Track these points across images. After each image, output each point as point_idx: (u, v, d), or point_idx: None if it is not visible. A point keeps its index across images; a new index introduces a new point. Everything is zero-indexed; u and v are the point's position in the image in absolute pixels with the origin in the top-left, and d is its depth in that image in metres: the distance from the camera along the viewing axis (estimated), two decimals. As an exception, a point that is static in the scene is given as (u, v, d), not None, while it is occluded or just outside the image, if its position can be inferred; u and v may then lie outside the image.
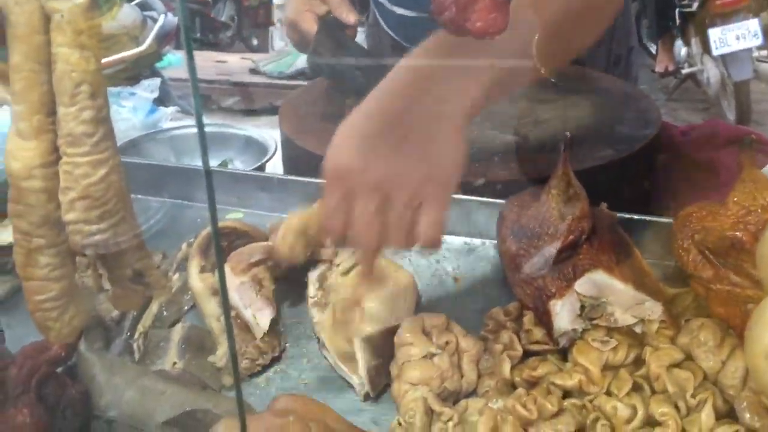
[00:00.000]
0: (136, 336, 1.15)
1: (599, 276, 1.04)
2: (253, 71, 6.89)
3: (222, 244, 1.25)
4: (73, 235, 0.73)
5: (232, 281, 1.15)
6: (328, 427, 0.87)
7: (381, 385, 1.08)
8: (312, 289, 1.20)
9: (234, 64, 7.16)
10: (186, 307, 1.23)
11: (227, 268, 1.16)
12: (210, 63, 7.10)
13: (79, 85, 0.70)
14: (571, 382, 0.96)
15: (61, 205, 0.73)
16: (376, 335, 1.09)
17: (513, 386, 1.03)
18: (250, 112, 6.39)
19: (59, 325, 0.79)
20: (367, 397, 1.08)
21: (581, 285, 1.04)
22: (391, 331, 1.10)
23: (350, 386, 1.10)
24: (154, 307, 1.20)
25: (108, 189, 0.73)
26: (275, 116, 1.90)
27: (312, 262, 1.24)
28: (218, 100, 6.76)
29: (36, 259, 0.75)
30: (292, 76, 6.48)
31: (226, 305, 0.53)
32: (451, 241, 1.35)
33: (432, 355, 1.04)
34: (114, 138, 0.74)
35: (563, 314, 1.04)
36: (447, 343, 1.06)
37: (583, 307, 1.04)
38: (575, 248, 1.10)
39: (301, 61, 6.58)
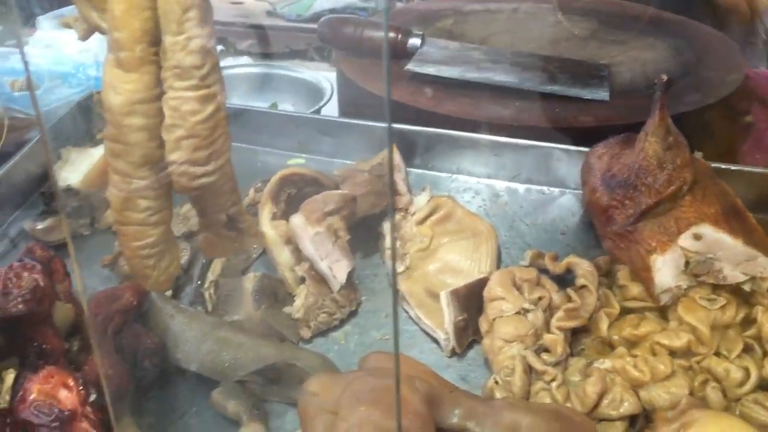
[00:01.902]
0: (207, 285, 1.10)
1: (706, 230, 0.98)
2: (270, 14, 6.74)
3: (290, 192, 1.19)
4: (178, 177, 0.67)
5: (306, 231, 1.08)
6: (433, 386, 0.82)
7: (467, 340, 1.03)
8: (389, 240, 1.14)
9: (250, 5, 6.99)
10: (254, 256, 1.17)
11: (300, 217, 1.10)
12: (226, 4, 6.95)
13: (188, 10, 0.63)
14: (679, 342, 0.91)
15: (166, 144, 0.66)
16: (462, 289, 1.03)
17: (610, 345, 0.98)
18: (267, 56, 6.26)
19: (156, 273, 0.74)
20: (453, 353, 1.03)
21: (686, 239, 0.98)
22: (477, 285, 1.04)
23: (433, 341, 1.05)
24: (222, 256, 1.14)
25: (216, 127, 0.67)
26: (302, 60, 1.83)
27: (387, 211, 1.18)
28: (234, 42, 6.63)
29: (135, 203, 0.69)
30: (310, 19, 6.32)
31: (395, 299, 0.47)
32: (529, 190, 1.29)
33: (525, 311, 0.99)
34: (221, 72, 0.67)
35: (666, 270, 0.98)
36: (540, 298, 1.00)
37: (687, 263, 0.98)
38: (676, 200, 1.03)
39: (319, 3, 6.43)
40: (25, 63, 0.43)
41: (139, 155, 0.67)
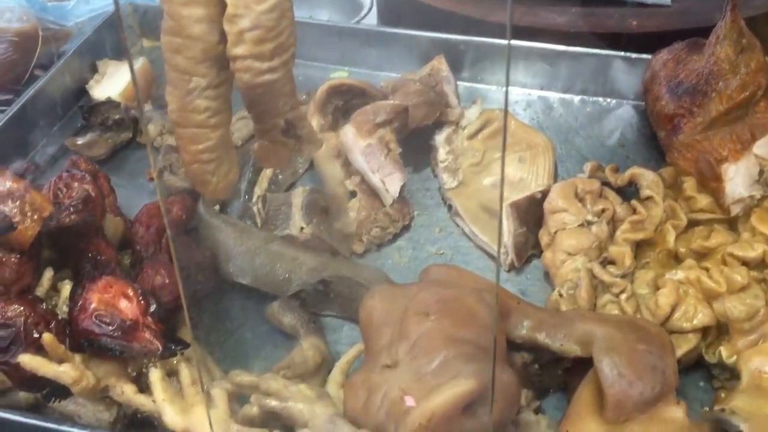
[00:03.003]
0: (255, 200, 1.07)
1: (783, 137, 0.93)
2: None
3: (337, 103, 1.14)
4: (241, 73, 0.63)
5: (357, 143, 1.04)
6: (501, 297, 0.79)
7: (527, 254, 1.00)
8: (442, 153, 1.10)
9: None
10: (301, 171, 1.14)
11: (350, 129, 1.05)
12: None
13: None
14: (754, 253, 0.87)
15: (228, 36, 0.62)
16: (522, 201, 1.00)
17: (676, 258, 0.95)
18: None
19: (216, 179, 0.70)
20: (511, 268, 1.00)
21: (761, 147, 0.93)
22: (535, 198, 1.00)
23: (490, 257, 1.02)
24: (268, 170, 1.11)
25: (282, 18, 0.62)
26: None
27: (438, 123, 1.13)
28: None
29: (194, 103, 0.65)
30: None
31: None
32: (584, 101, 1.23)
33: (589, 223, 0.95)
34: (286, -45, 0.62)
35: (738, 180, 0.94)
36: (603, 210, 0.96)
37: (761, 172, 0.93)
38: (749, 106, 0.97)
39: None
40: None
41: (199, 50, 0.63)
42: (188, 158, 0.69)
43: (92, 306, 0.73)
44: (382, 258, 1.03)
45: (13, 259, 0.75)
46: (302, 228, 1.01)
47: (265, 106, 0.71)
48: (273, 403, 0.74)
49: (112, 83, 1.20)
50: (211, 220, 0.99)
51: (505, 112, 0.78)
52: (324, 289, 0.94)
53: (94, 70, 1.26)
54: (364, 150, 1.04)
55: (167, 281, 0.84)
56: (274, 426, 0.75)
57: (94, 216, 0.83)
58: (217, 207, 1.05)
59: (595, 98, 1.22)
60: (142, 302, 0.75)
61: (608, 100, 1.22)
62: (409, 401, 0.62)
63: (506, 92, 0.84)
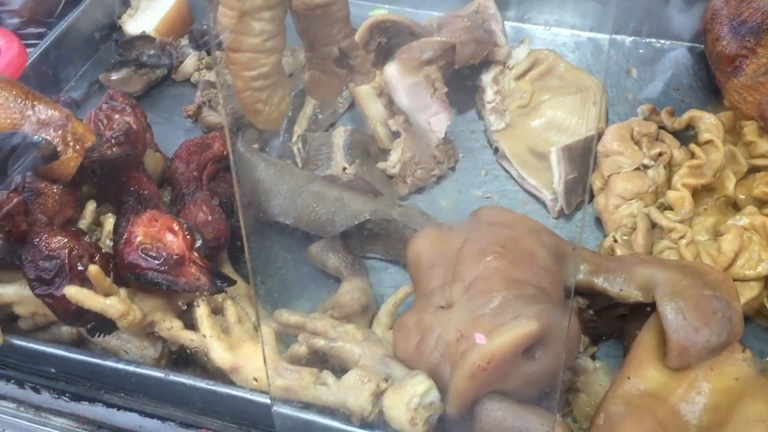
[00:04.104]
0: (294, 139, 1.04)
1: None
2: None
3: (380, 40, 1.10)
4: (300, -9, 0.59)
5: (402, 81, 1.00)
6: (560, 239, 0.76)
7: (577, 200, 0.96)
8: (489, 93, 1.06)
9: None
10: (341, 110, 1.10)
11: (395, 66, 1.01)
12: None
13: None
14: (821, 200, 0.83)
15: (287, -49, 0.58)
16: (574, 145, 0.96)
17: (734, 204, 0.91)
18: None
19: (268, 108, 0.67)
20: (560, 214, 0.96)
21: (832, 89, 0.89)
22: (587, 142, 0.96)
23: (537, 202, 0.98)
24: (308, 109, 1.07)
25: (345, -69, 0.58)
26: None
27: (484, 63, 1.08)
28: None
29: (249, 25, 0.62)
30: None
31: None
32: (636, 43, 1.17)
33: (645, 167, 0.91)
34: None
35: (805, 124, 0.89)
36: (660, 154, 0.92)
37: (831, 116, 0.89)
38: (818, 46, 0.92)
39: None
40: None
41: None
42: (240, 85, 0.65)
43: (138, 239, 0.71)
44: (426, 200, 1.00)
45: (55, 190, 0.73)
46: (344, 168, 0.98)
47: (320, 32, 0.68)
48: (322, 342, 0.72)
49: (145, 18, 1.16)
50: (251, 158, 0.96)
51: (608, 49, 0.72)
52: (367, 231, 0.92)
53: (126, 4, 1.22)
54: (409, 88, 1.00)
55: (210, 218, 0.82)
56: (320, 367, 0.73)
57: (136, 149, 0.80)
58: (256, 145, 1.02)
59: (648, 40, 1.17)
60: (188, 237, 0.73)
61: (662, 41, 1.16)
62: (480, 339, 0.60)
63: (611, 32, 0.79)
